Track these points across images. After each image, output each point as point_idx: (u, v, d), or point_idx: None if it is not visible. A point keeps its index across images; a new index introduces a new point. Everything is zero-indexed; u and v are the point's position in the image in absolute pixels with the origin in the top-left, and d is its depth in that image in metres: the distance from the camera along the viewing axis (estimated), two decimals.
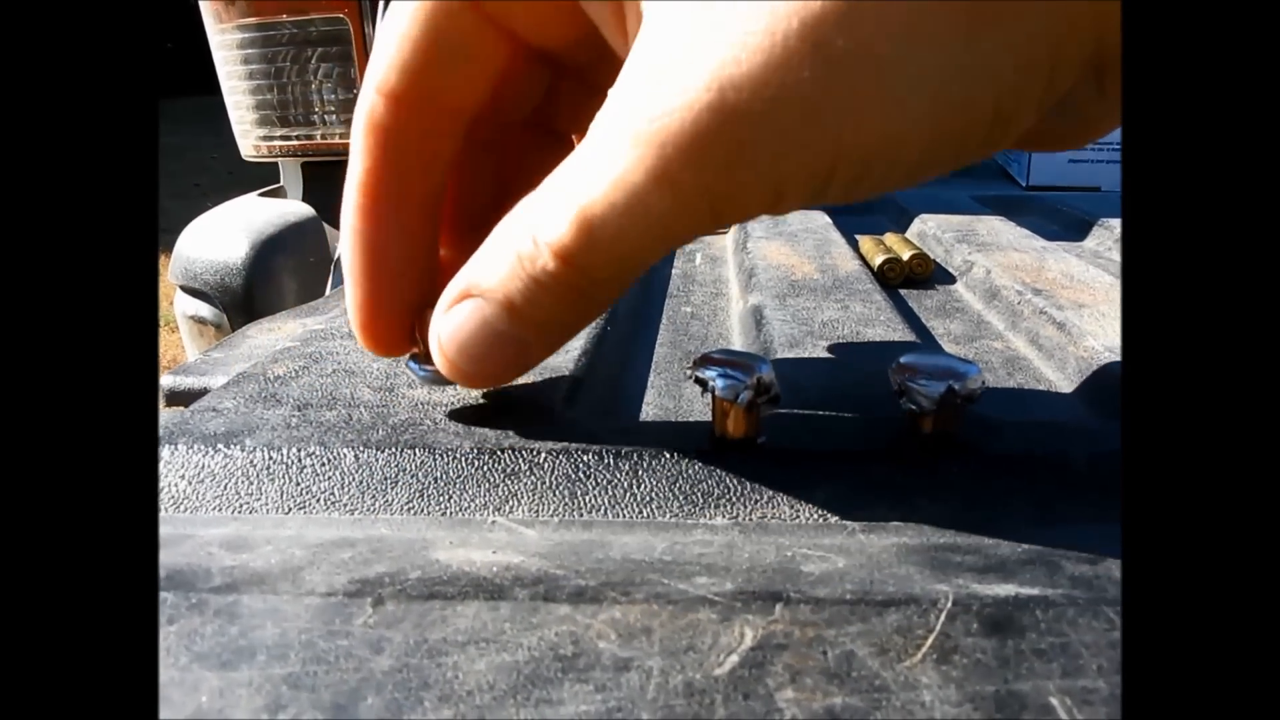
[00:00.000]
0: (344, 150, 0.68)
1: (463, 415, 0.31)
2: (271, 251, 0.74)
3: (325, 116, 0.86)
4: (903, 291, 0.55)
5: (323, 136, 0.86)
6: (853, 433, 0.30)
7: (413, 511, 0.28)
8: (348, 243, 0.30)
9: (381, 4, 0.67)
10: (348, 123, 0.79)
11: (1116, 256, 0.65)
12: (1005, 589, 0.22)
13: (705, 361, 0.28)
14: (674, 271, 0.60)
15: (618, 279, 0.25)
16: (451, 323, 0.27)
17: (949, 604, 0.21)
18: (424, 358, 0.30)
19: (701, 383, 0.28)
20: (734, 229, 0.68)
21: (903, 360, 0.29)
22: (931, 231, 0.66)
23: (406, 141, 0.29)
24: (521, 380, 0.35)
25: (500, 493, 0.28)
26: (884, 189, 0.24)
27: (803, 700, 0.18)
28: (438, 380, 0.31)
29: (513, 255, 0.25)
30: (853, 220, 0.72)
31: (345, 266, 0.30)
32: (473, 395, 0.33)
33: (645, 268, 0.26)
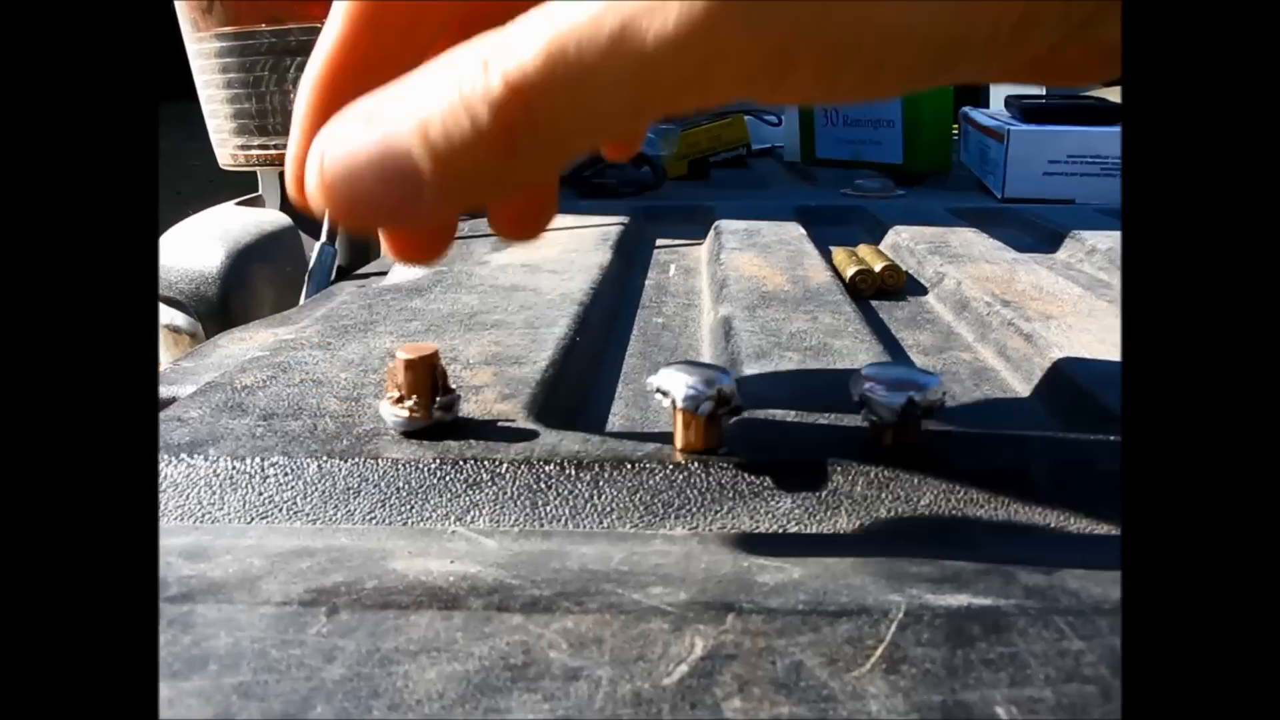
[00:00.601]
0: None
1: (425, 433, 0.31)
2: (247, 260, 0.74)
3: None
4: (874, 303, 0.55)
5: None
6: (815, 444, 0.30)
7: (374, 521, 0.28)
8: (302, 96, 0.27)
9: None
10: None
11: (1088, 269, 0.65)
12: (958, 599, 0.23)
13: (667, 373, 0.29)
14: (647, 283, 0.60)
15: (565, 140, 0.21)
16: (341, 133, 0.22)
17: (901, 614, 0.22)
18: (397, 400, 0.30)
19: (663, 394, 0.28)
20: (709, 239, 0.68)
21: (864, 371, 0.29)
22: (905, 243, 0.66)
23: (389, 24, 0.26)
24: (486, 390, 0.35)
25: (462, 503, 0.28)
26: (897, 86, 0.22)
27: (749, 710, 0.18)
28: (411, 426, 0.30)
29: (449, 76, 0.21)
30: (828, 231, 0.72)
31: (295, 117, 0.27)
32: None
33: (602, 138, 0.22)
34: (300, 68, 0.82)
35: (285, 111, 0.84)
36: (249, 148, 0.85)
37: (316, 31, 0.83)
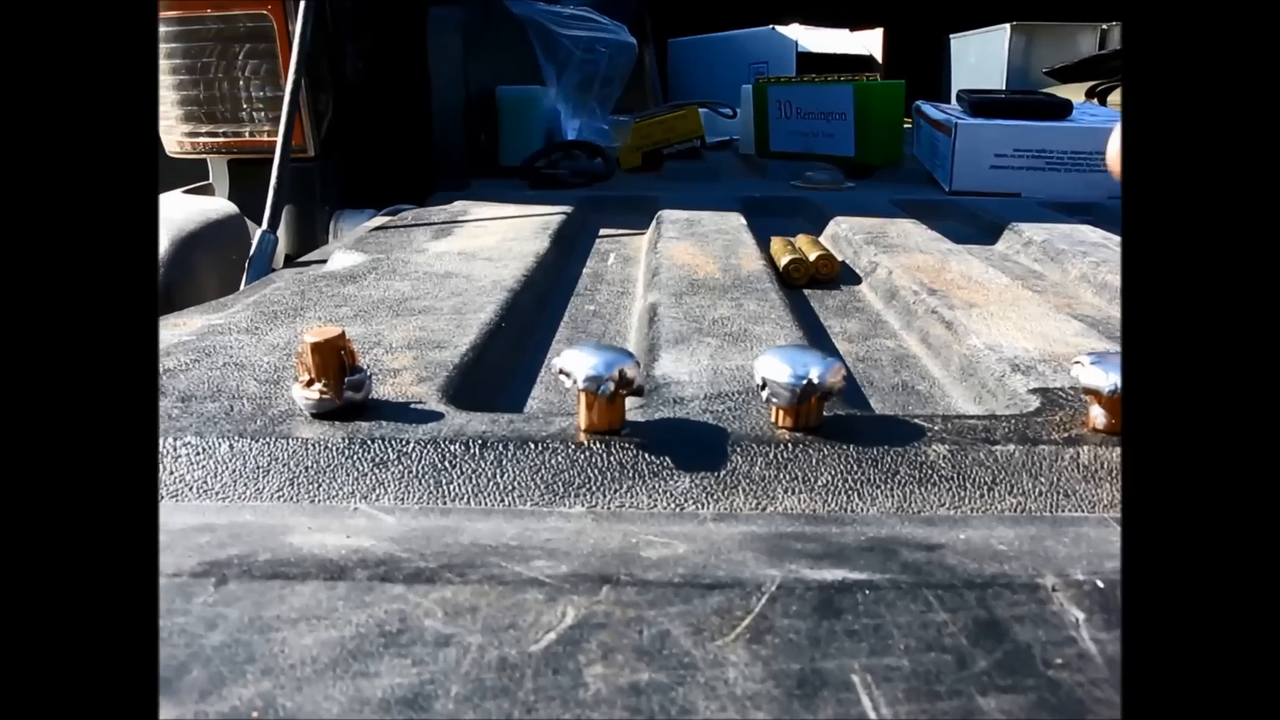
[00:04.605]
0: (270, 148, 0.68)
1: (337, 414, 0.31)
2: (191, 248, 0.74)
3: (254, 114, 0.86)
4: (807, 291, 0.56)
5: (250, 134, 0.86)
6: (718, 425, 0.31)
7: (283, 499, 0.28)
8: None
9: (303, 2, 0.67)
10: (274, 120, 0.79)
11: (1024, 260, 0.66)
12: (835, 574, 0.23)
13: (570, 354, 0.29)
14: (585, 271, 0.61)
15: None
16: None
17: (774, 587, 0.22)
18: (307, 383, 0.31)
19: (566, 375, 0.29)
20: (651, 228, 0.68)
21: (765, 355, 0.30)
22: (844, 233, 0.67)
23: None
24: (405, 374, 0.35)
25: (368, 481, 0.29)
26: None
27: (609, 676, 0.19)
28: (321, 408, 0.31)
29: None
30: (771, 222, 0.73)
31: None
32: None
33: None
34: (249, 55, 0.82)
35: (234, 99, 0.84)
36: (197, 135, 0.84)
37: (265, 19, 0.82)
